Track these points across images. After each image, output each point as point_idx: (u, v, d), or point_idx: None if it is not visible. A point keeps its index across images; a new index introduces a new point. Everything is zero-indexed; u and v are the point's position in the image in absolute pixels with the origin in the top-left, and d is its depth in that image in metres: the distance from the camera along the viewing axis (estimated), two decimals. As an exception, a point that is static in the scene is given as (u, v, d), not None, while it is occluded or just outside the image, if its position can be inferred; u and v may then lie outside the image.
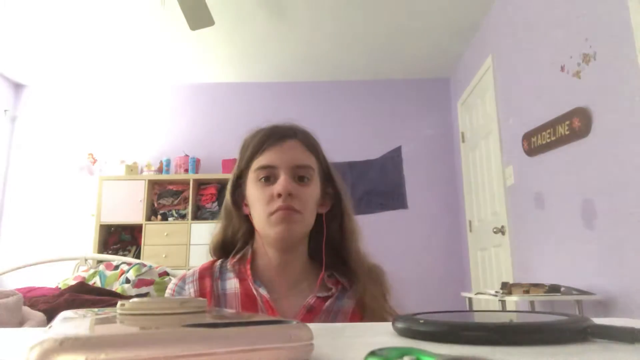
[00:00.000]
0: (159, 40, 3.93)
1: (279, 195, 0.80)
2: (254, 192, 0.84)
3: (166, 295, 0.88)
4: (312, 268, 0.88)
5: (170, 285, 0.89)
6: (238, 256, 0.89)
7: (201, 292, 0.85)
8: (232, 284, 0.86)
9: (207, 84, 4.74)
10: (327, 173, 0.89)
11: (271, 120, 0.91)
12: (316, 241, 0.88)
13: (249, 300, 0.82)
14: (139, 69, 4.44)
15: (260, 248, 0.87)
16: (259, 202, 0.82)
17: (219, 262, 0.91)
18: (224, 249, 0.92)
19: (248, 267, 0.86)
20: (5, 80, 4.54)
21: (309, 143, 0.86)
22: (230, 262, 0.89)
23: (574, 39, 2.34)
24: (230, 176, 0.90)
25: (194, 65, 4.39)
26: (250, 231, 0.90)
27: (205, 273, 0.88)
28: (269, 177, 0.82)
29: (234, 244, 0.91)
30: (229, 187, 0.89)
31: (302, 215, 0.81)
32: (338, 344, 0.38)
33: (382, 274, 0.90)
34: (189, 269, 0.91)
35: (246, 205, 0.88)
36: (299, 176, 0.83)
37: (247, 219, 0.88)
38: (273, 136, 0.83)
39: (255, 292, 0.83)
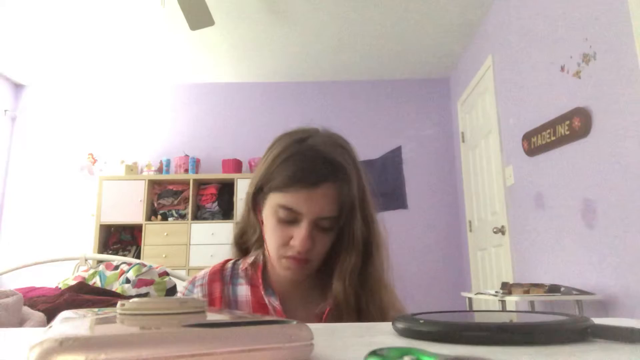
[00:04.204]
0: (159, 40, 3.93)
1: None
2: (269, 222, 0.77)
3: None
4: (325, 275, 0.83)
5: (180, 289, 0.88)
6: (250, 260, 0.86)
7: (210, 297, 0.83)
8: (244, 290, 0.84)
9: (207, 84, 4.74)
10: (361, 202, 0.78)
11: (286, 122, 0.81)
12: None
13: (261, 309, 0.81)
14: (139, 68, 4.44)
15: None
16: (271, 238, 0.77)
17: (230, 263, 0.88)
18: (244, 242, 0.89)
19: (259, 274, 0.84)
20: (5, 80, 4.54)
21: (344, 184, 0.74)
22: (242, 266, 0.86)
23: (574, 39, 2.33)
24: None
25: (194, 65, 4.38)
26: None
27: (216, 277, 0.85)
28: (289, 219, 0.74)
29: (252, 242, 0.89)
30: (250, 190, 0.82)
31: (313, 263, 0.78)
32: (338, 344, 0.38)
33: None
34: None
35: (262, 221, 0.81)
36: (322, 226, 0.75)
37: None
38: (306, 178, 0.71)
39: (267, 302, 0.81)
